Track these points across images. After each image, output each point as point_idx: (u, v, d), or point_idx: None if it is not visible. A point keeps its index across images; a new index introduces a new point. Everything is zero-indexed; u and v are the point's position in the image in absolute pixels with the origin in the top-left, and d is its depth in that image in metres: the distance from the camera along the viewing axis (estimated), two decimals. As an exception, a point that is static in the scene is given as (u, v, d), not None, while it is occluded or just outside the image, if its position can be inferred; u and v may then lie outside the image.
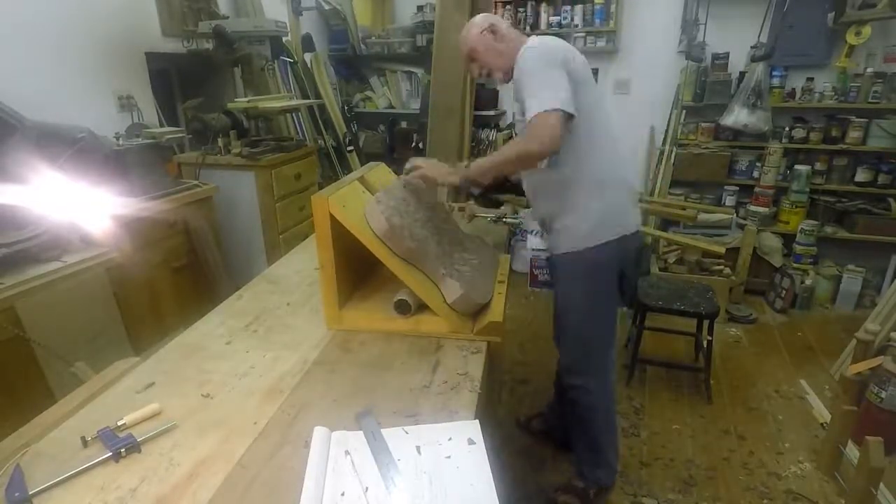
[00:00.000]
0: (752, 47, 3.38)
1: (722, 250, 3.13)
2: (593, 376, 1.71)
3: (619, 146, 1.59)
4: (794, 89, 3.44)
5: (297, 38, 3.62)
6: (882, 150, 3.25)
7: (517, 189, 2.07)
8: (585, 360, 1.71)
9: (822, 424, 2.26)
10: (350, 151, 3.90)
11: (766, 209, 3.46)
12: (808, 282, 3.31)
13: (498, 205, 3.42)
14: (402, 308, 1.26)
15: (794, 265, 3.37)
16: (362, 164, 2.15)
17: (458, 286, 1.23)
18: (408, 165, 1.47)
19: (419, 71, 4.07)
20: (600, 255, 1.56)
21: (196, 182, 2.53)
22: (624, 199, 1.61)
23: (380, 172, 1.55)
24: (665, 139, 3.72)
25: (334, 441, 0.88)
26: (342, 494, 0.78)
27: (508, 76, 1.54)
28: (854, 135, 3.28)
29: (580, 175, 1.51)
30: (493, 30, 1.54)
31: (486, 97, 3.88)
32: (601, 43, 3.79)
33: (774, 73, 3.41)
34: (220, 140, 2.74)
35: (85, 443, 0.89)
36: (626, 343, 2.80)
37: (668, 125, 3.72)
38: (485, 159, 1.44)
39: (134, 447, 0.88)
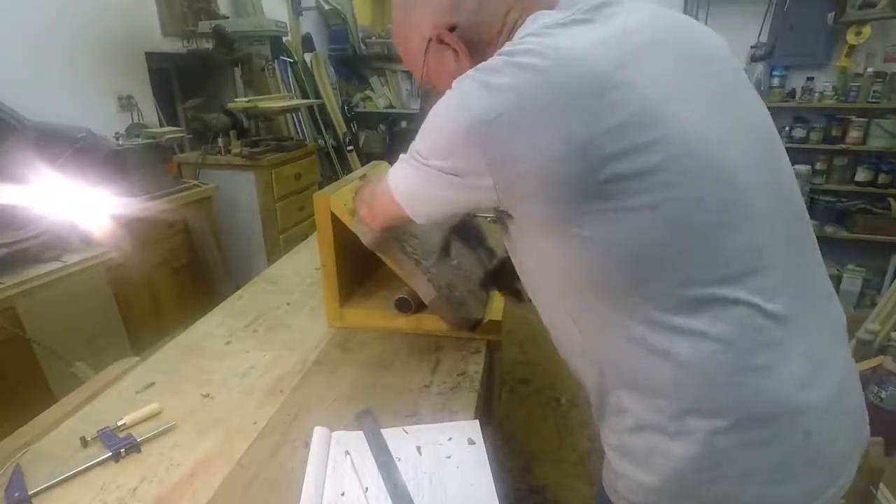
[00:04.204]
0: (752, 47, 3.38)
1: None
2: None
3: None
4: (794, 89, 3.44)
5: (297, 38, 3.62)
6: (882, 149, 3.25)
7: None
8: None
9: (822, 424, 2.26)
10: (350, 151, 3.90)
11: (767, 209, 3.46)
12: (808, 282, 3.31)
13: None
14: (403, 306, 1.26)
15: (795, 265, 3.38)
16: (362, 164, 2.14)
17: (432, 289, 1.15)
18: None
19: (419, 71, 4.07)
20: None
21: (196, 182, 2.53)
22: None
23: (381, 171, 1.55)
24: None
25: (334, 441, 0.88)
26: (342, 494, 0.78)
27: None
28: (854, 134, 3.28)
29: None
30: None
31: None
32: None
33: (774, 72, 3.41)
34: (220, 140, 2.74)
35: (85, 443, 0.89)
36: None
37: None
38: None
39: (134, 447, 0.88)
